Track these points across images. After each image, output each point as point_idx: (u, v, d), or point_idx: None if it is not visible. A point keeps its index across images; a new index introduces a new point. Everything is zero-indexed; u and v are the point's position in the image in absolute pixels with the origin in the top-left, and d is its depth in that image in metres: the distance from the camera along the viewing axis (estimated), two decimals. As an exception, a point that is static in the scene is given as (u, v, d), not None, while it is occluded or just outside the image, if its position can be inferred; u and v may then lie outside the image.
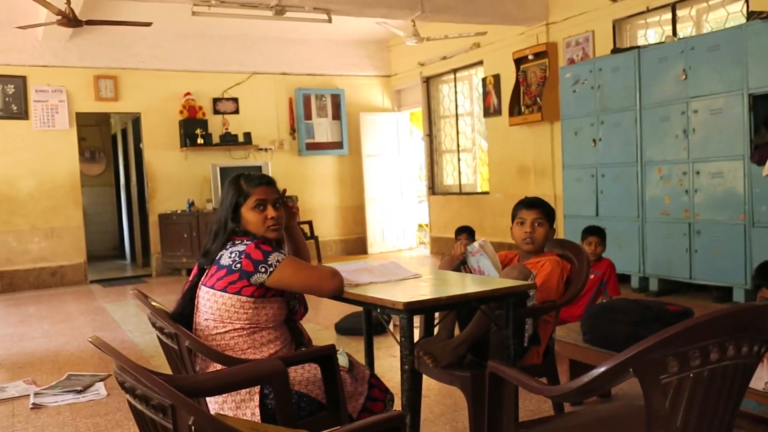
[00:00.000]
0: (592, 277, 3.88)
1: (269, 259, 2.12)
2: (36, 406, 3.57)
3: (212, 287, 2.14)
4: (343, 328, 4.87)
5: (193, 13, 6.25)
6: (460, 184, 9.24)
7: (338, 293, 2.22)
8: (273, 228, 2.25)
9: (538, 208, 2.76)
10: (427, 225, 10.06)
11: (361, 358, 2.60)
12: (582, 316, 3.20)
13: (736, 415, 1.51)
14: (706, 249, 5.28)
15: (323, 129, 9.70)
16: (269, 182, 2.30)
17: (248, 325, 2.14)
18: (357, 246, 9.96)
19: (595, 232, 4.43)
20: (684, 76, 5.34)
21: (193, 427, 1.27)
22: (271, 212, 2.24)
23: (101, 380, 3.96)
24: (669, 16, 6.17)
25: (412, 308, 2.03)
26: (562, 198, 6.69)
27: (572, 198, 6.51)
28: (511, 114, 7.61)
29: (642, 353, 1.32)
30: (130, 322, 5.72)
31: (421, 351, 2.43)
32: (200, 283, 2.21)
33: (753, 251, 4.94)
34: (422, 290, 2.27)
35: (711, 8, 5.90)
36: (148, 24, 6.71)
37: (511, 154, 7.92)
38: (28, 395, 3.73)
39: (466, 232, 5.95)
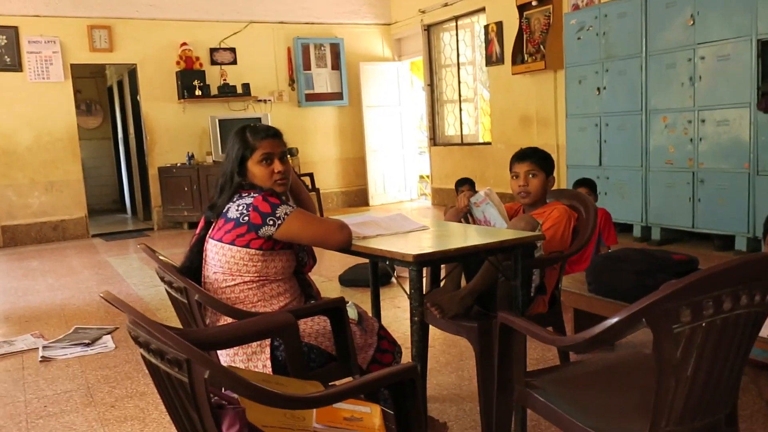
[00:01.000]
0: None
1: (277, 211, 2.10)
2: (45, 359, 3.61)
3: (220, 240, 2.13)
4: (347, 279, 4.90)
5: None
6: (461, 135, 9.16)
7: (346, 246, 2.21)
8: (280, 182, 2.21)
9: (529, 159, 2.71)
10: (428, 176, 10.02)
11: (366, 309, 2.60)
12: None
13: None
14: (710, 198, 5.27)
15: (323, 79, 9.57)
16: (276, 134, 2.24)
17: (257, 278, 2.13)
18: (358, 198, 9.95)
19: (585, 184, 4.42)
20: (692, 22, 5.23)
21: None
22: (278, 166, 2.21)
23: (108, 333, 4.00)
24: (677, -41, 6.00)
25: (422, 260, 2.02)
26: (565, 148, 6.65)
27: (575, 148, 6.46)
28: (514, 62, 7.49)
29: (656, 303, 1.32)
30: (135, 276, 5.75)
31: (428, 302, 2.44)
32: (208, 236, 2.20)
33: (756, 200, 4.93)
34: (430, 242, 2.26)
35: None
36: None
37: (513, 104, 7.83)
38: (37, 348, 3.78)
39: (468, 184, 5.92)
